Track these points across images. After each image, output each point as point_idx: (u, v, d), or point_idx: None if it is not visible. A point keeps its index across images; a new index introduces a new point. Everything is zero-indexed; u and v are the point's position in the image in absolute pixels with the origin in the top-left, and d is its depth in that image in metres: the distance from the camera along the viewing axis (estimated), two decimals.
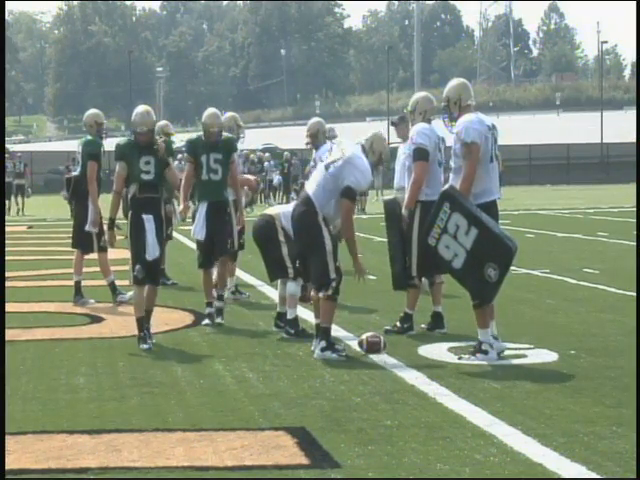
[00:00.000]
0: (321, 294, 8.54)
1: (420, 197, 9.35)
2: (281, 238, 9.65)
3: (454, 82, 8.79)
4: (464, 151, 8.33)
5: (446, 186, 8.53)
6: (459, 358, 8.33)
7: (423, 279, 9.87)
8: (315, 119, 12.07)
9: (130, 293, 12.03)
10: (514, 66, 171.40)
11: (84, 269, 12.40)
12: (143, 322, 9.17)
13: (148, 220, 9.07)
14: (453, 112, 8.57)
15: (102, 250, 12.16)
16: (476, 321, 8.39)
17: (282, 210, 9.90)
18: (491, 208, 8.45)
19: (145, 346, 8.97)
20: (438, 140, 9.51)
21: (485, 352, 8.26)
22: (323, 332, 8.50)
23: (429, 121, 9.59)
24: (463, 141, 8.31)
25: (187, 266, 15.15)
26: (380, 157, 8.87)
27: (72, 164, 38.44)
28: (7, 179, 35.19)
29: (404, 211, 9.43)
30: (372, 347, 8.59)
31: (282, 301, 9.81)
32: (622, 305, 11.29)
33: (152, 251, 9.07)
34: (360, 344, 8.67)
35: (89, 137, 12.19)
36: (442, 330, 9.66)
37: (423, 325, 9.76)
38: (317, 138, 11.60)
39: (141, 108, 9.44)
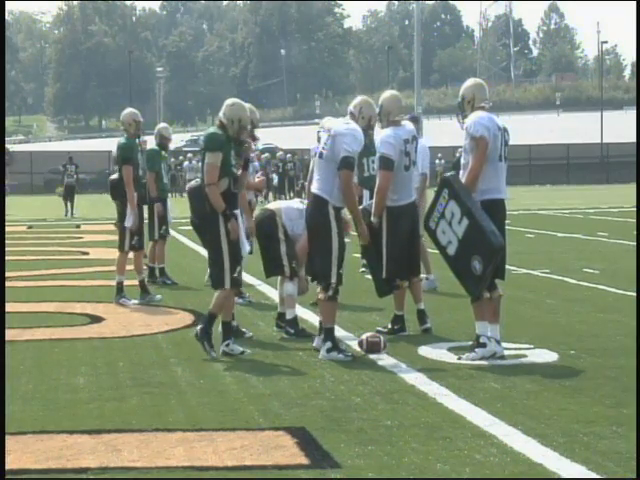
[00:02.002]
0: (321, 295, 8.55)
1: (387, 203, 9.36)
2: (280, 235, 9.63)
3: (470, 82, 8.80)
4: (471, 145, 8.34)
5: (448, 173, 8.61)
6: (459, 358, 8.34)
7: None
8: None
9: (134, 300, 12.04)
10: (514, 66, 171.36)
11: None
12: (231, 326, 8.77)
13: (239, 215, 8.74)
14: (466, 111, 8.58)
15: (132, 249, 12.30)
16: (473, 315, 8.41)
17: (284, 206, 9.86)
18: (498, 207, 8.44)
19: (244, 350, 8.62)
20: (403, 144, 9.40)
21: (483, 345, 8.27)
22: (327, 333, 8.50)
23: (397, 122, 9.43)
24: (471, 135, 8.32)
25: (187, 266, 15.16)
26: (369, 122, 8.93)
27: (68, 163, 38.82)
28: None
29: (373, 219, 9.38)
30: (372, 347, 8.59)
31: (282, 301, 9.81)
32: (622, 305, 11.29)
33: (245, 248, 8.82)
34: (360, 344, 8.68)
35: (123, 140, 12.25)
36: (427, 325, 9.68)
37: (419, 327, 9.77)
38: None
39: (243, 104, 8.84)
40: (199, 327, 8.67)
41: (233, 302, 9.01)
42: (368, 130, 9.08)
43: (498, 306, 8.46)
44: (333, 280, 8.49)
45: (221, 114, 8.76)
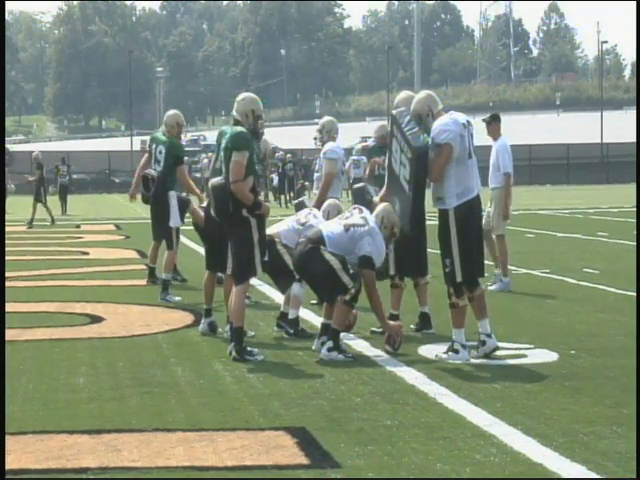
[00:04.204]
0: (339, 297, 8.53)
1: None
2: (279, 247, 9.60)
3: (420, 96, 8.72)
4: (435, 152, 8.33)
5: (395, 111, 8.67)
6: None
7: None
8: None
9: (178, 297, 12.08)
10: (514, 66, 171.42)
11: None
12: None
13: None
14: (429, 124, 8.51)
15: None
16: (450, 320, 8.43)
17: (283, 229, 9.84)
18: (476, 206, 8.42)
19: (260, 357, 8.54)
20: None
21: (456, 351, 8.33)
22: (332, 333, 8.49)
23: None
24: (436, 143, 8.31)
25: (188, 266, 15.13)
26: (392, 231, 8.86)
27: (61, 164, 39.37)
28: None
29: (376, 199, 9.39)
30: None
31: (287, 300, 9.79)
32: (622, 305, 11.29)
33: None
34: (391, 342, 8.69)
35: (174, 140, 12.38)
36: (429, 330, 9.68)
37: (412, 326, 9.77)
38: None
39: (252, 96, 8.91)
40: (233, 348, 8.46)
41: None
42: (390, 239, 9.00)
43: (483, 302, 8.46)
44: (349, 285, 8.49)
45: (234, 111, 8.79)
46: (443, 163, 8.29)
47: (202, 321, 9.92)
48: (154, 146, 12.50)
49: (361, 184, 10.64)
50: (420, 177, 8.42)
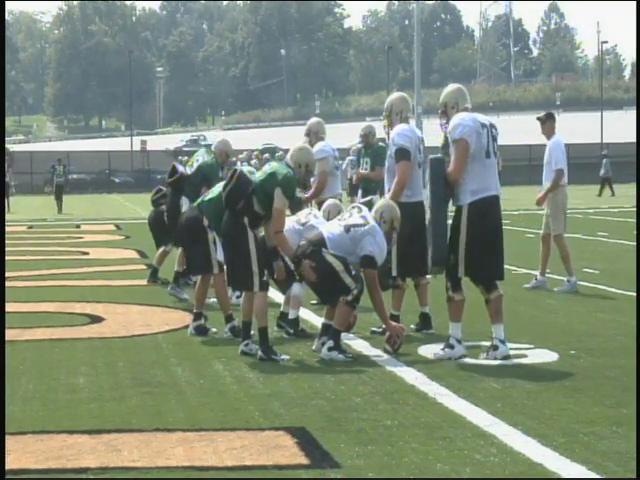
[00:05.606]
0: (341, 298, 8.53)
1: (400, 199, 9.32)
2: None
3: (450, 88, 8.78)
4: (453, 147, 8.34)
5: (432, 156, 8.64)
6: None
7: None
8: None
9: (186, 295, 12.07)
10: (514, 66, 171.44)
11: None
12: (250, 326, 8.73)
13: None
14: (451, 116, 8.54)
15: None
16: (447, 315, 8.43)
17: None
18: (491, 205, 8.39)
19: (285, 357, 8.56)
20: (418, 141, 9.50)
21: (451, 347, 8.34)
22: (333, 333, 8.50)
23: (407, 120, 9.58)
24: (452, 138, 8.32)
25: None
26: (392, 225, 8.87)
27: (57, 164, 39.80)
28: None
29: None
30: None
31: (287, 301, 9.79)
32: (622, 305, 11.30)
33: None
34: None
35: (212, 160, 11.62)
36: (429, 331, 9.69)
37: (412, 326, 9.78)
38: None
39: (311, 150, 9.07)
40: (260, 350, 8.48)
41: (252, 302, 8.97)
42: (391, 234, 9.00)
43: (499, 306, 8.44)
44: (352, 287, 8.50)
45: (288, 157, 8.86)
46: (461, 158, 8.27)
47: (190, 324, 9.91)
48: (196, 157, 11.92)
49: (368, 198, 10.89)
50: (438, 191, 8.39)
